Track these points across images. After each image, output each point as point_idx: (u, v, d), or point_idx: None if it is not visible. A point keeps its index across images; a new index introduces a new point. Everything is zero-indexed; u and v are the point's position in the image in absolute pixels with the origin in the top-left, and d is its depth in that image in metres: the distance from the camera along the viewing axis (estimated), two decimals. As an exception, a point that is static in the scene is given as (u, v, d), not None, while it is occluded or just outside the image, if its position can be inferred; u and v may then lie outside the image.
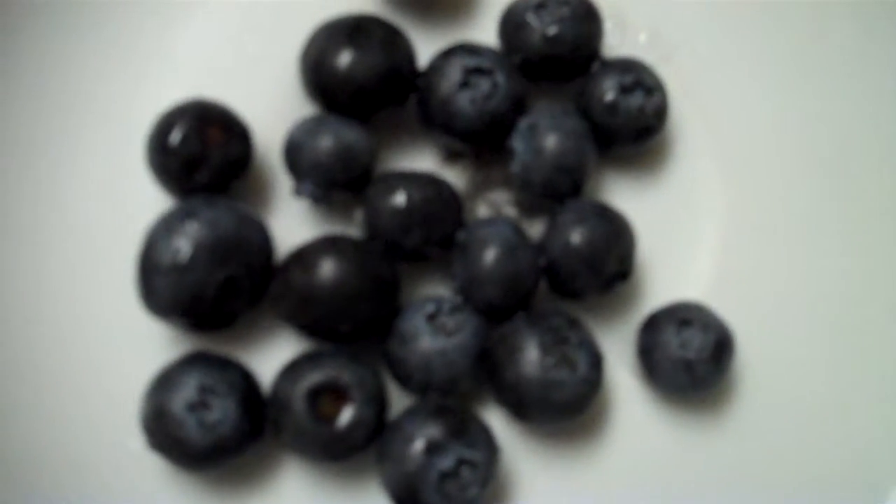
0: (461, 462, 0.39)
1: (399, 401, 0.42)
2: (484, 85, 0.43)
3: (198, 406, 0.39)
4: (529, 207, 0.46)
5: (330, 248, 0.40)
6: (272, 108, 0.45)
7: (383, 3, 0.47)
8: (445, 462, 0.39)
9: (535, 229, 0.45)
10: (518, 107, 0.44)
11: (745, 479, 0.44)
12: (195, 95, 0.42)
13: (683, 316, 0.42)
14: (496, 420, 0.43)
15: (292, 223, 0.44)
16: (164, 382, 0.40)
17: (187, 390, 0.39)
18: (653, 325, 0.43)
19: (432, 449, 0.39)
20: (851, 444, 0.44)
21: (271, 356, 0.43)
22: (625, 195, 0.46)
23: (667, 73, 0.45)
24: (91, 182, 0.45)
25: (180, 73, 0.46)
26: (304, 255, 0.40)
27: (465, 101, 0.43)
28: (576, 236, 0.42)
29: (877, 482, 0.44)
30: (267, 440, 0.41)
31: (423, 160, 0.46)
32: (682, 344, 0.42)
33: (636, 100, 0.44)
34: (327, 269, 0.40)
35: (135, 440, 0.40)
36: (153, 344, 0.43)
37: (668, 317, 0.43)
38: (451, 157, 0.46)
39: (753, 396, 0.45)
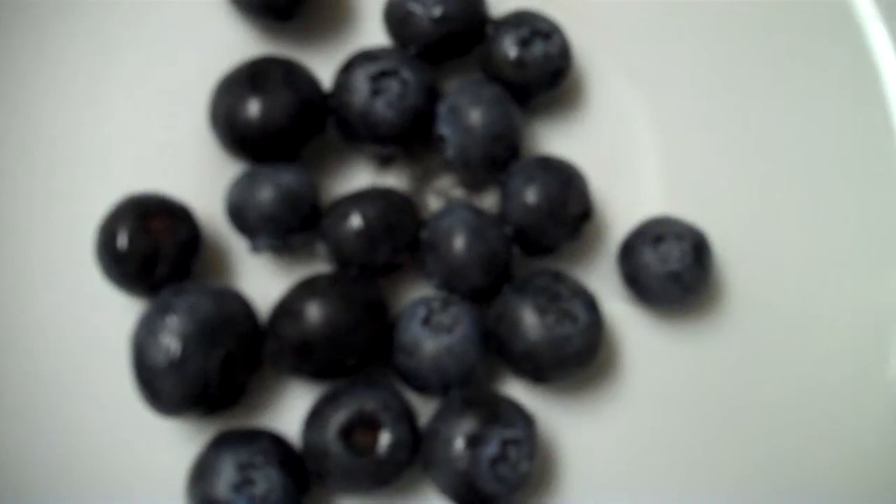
0: (505, 443, 0.40)
1: (425, 407, 0.43)
2: (394, 86, 0.43)
3: (242, 485, 0.39)
4: (475, 184, 0.46)
5: (309, 291, 0.41)
6: (200, 178, 0.45)
7: (261, 41, 0.47)
8: (491, 449, 0.39)
9: (489, 202, 0.46)
10: (432, 95, 0.44)
11: (748, 372, 0.45)
12: (123, 195, 0.42)
13: (655, 232, 0.44)
14: (518, 391, 0.44)
15: (262, 280, 0.44)
16: (201, 472, 0.40)
17: (228, 473, 0.39)
18: (629, 251, 0.44)
19: (474, 441, 0.40)
20: (841, 315, 0.46)
21: (289, 412, 0.43)
22: (559, 142, 0.47)
23: (559, 13, 0.46)
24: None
25: (94, 174, 0.45)
26: (288, 307, 0.41)
27: (382, 108, 0.43)
28: (531, 195, 0.43)
29: (865, 362, 0.46)
30: (314, 492, 0.42)
31: (360, 175, 0.46)
32: (663, 259, 0.43)
33: (538, 48, 0.45)
34: (314, 312, 0.40)
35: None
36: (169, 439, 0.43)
37: (640, 238, 0.44)
38: (385, 161, 0.46)
39: (735, 290, 0.46)
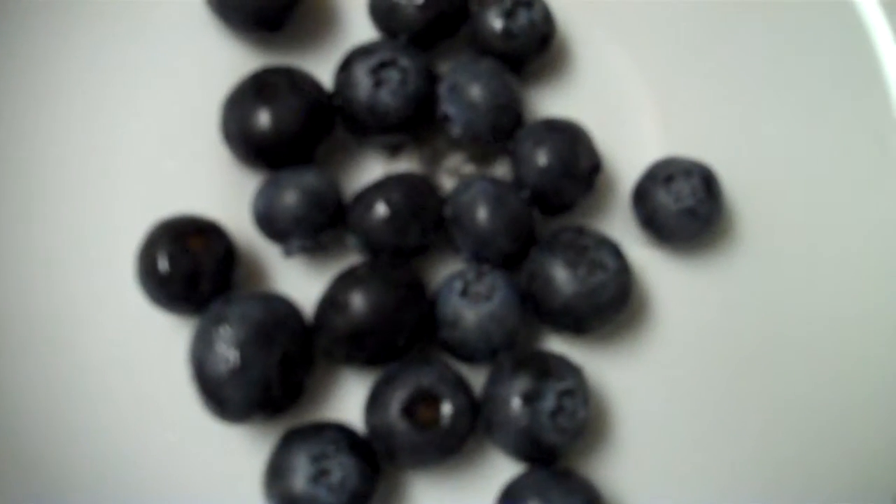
0: (561, 395, 0.41)
1: (475, 376, 0.44)
2: (394, 75, 0.45)
3: (319, 476, 0.40)
4: (484, 156, 0.48)
5: (350, 282, 0.42)
6: (220, 194, 0.46)
7: (255, 52, 0.48)
8: (548, 403, 0.41)
9: (500, 172, 0.47)
10: (431, 77, 0.46)
11: (767, 303, 0.47)
12: (153, 221, 0.43)
13: (664, 172, 0.45)
14: (558, 345, 0.46)
15: (300, 281, 0.46)
16: (277, 470, 0.41)
17: (303, 466, 0.41)
18: (642, 194, 0.46)
19: (530, 398, 0.41)
20: (851, 244, 0.48)
21: (347, 401, 0.45)
22: (557, 104, 0.49)
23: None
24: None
25: (118, 204, 0.46)
26: (333, 300, 0.42)
27: (386, 97, 0.44)
28: (542, 157, 0.44)
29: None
30: (386, 473, 0.43)
31: (372, 167, 0.48)
32: (676, 196, 0.45)
33: (523, 17, 0.46)
34: (359, 301, 0.41)
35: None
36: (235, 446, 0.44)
37: (651, 180, 0.46)
38: (395, 150, 0.48)
39: (746, 221, 0.48)
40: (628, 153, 0.48)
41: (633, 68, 0.50)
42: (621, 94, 0.49)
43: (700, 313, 0.47)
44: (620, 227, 0.47)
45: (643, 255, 0.47)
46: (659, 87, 0.49)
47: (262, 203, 0.44)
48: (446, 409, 0.42)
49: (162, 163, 0.47)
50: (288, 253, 0.44)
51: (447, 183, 0.48)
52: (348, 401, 0.44)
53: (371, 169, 0.48)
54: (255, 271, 0.46)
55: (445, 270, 0.46)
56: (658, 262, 0.47)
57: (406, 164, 0.48)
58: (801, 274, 0.48)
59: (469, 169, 0.48)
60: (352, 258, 0.45)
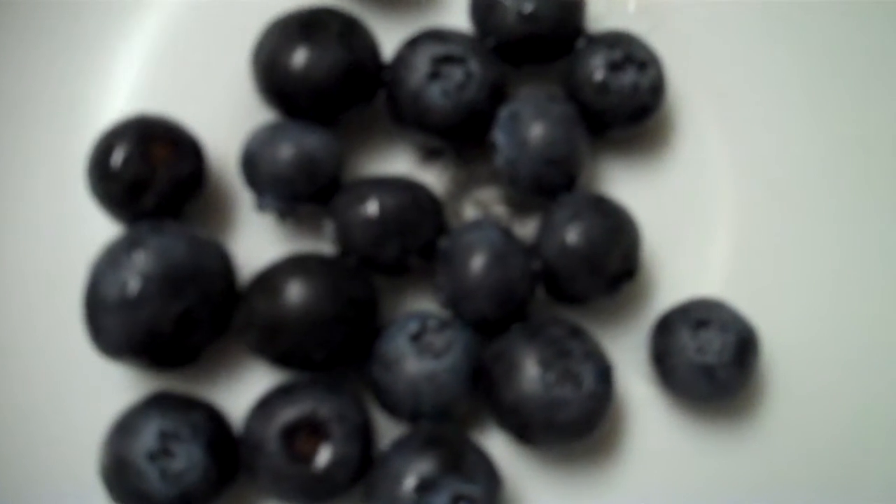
0: (458, 498, 0.34)
1: (390, 429, 0.38)
2: (456, 74, 0.38)
3: (159, 455, 0.35)
4: (521, 204, 0.41)
5: (296, 268, 0.36)
6: (226, 118, 0.41)
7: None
8: (440, 500, 0.34)
9: (530, 229, 0.41)
10: (496, 95, 0.39)
11: (776, 494, 0.39)
12: (137, 112, 0.38)
13: (699, 315, 0.38)
14: (499, 446, 0.39)
15: (257, 244, 0.40)
16: (122, 429, 0.36)
17: (147, 438, 0.35)
18: (666, 328, 0.39)
19: (424, 486, 0.34)
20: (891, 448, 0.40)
21: (242, 392, 0.38)
22: (625, 185, 0.42)
23: (661, 43, 0.41)
24: (34, 211, 0.41)
25: (119, 88, 0.42)
26: (268, 279, 0.36)
27: (436, 94, 0.38)
28: (572, 234, 0.37)
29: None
30: (242, 484, 0.37)
31: (399, 162, 0.42)
32: (700, 347, 0.38)
33: (628, 76, 0.40)
34: (294, 292, 0.36)
35: (98, 496, 0.36)
36: (113, 384, 0.39)
37: (682, 317, 0.38)
38: (430, 155, 0.42)
39: (782, 401, 0.40)
40: (678, 272, 0.41)
41: (727, 182, 0.42)
42: (701, 205, 0.42)
43: (684, 480, 0.39)
44: (630, 348, 0.40)
45: (641, 392, 0.40)
46: (746, 216, 0.42)
47: (253, 144, 0.38)
48: (326, 452, 0.35)
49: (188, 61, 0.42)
50: (260, 206, 0.38)
51: (468, 213, 0.41)
52: (247, 396, 0.38)
53: (395, 164, 0.41)
54: (217, 214, 0.41)
55: (416, 306, 0.40)
56: (655, 404, 0.40)
57: (435, 175, 0.41)
58: (823, 464, 0.40)
59: (499, 211, 0.41)
60: (323, 246, 0.39)
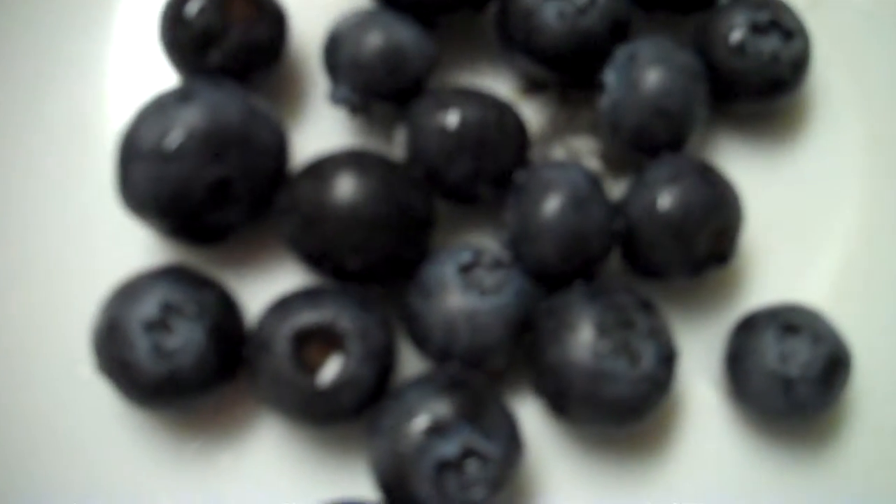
0: (468, 452, 0.30)
1: (417, 369, 0.34)
2: (579, -1, 0.35)
3: (156, 326, 0.31)
4: (618, 162, 0.37)
5: (352, 162, 0.33)
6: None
7: None
8: (448, 448, 0.30)
9: (620, 190, 0.36)
10: (618, 31, 0.35)
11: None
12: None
13: (790, 321, 0.33)
14: (532, 414, 0.34)
15: (321, 134, 0.37)
16: (124, 294, 0.32)
17: (147, 306, 0.32)
18: (749, 328, 0.34)
19: (435, 429, 0.30)
20: None
21: (266, 288, 0.34)
22: (742, 164, 0.37)
23: (814, 20, 0.36)
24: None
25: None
26: (320, 167, 0.33)
27: (551, 15, 0.34)
28: (665, 197, 0.33)
29: None
30: (243, 386, 0.33)
31: (497, 86, 0.38)
32: (784, 356, 0.33)
33: (770, 43, 0.35)
34: (344, 185, 0.32)
35: (85, 366, 0.33)
36: (133, 252, 0.36)
37: (769, 319, 0.33)
38: (533, 87, 0.38)
39: (870, 432, 0.35)
40: (780, 269, 0.36)
41: (858, 176, 0.37)
42: (823, 198, 0.37)
43: (741, 494, 0.34)
44: (705, 343, 0.35)
45: (707, 390, 0.35)
46: (876, 218, 0.37)
47: (342, 26, 0.35)
48: (333, 366, 0.31)
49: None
50: (333, 97, 0.35)
51: (557, 155, 0.37)
52: (271, 292, 0.34)
53: (495, 87, 0.37)
54: (287, 91, 0.37)
55: (478, 239, 0.36)
56: (721, 409, 0.35)
57: (534, 110, 0.37)
58: None
59: (592, 164, 0.37)
60: (392, 153, 0.35)
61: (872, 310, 0.36)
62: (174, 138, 0.32)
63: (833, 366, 0.32)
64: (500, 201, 0.34)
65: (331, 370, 0.32)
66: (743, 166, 0.37)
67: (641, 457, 0.35)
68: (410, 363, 0.34)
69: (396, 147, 0.35)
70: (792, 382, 0.32)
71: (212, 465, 0.34)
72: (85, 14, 0.39)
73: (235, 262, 0.35)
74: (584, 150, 0.37)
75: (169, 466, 0.34)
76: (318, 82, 0.37)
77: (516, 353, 0.33)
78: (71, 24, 0.38)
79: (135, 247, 0.36)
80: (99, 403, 0.34)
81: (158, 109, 0.32)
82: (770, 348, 0.33)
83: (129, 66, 0.38)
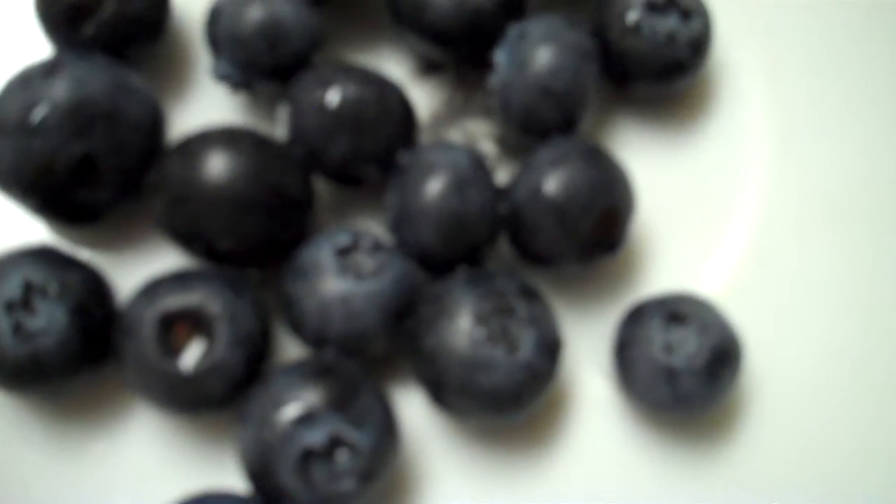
0: (336, 441, 0.29)
1: (296, 354, 0.33)
2: (469, -23, 0.33)
3: (17, 306, 0.30)
4: (514, 146, 0.36)
5: (224, 139, 0.32)
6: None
7: None
8: (314, 436, 0.29)
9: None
10: (510, 10, 0.34)
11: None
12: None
13: (677, 309, 0.32)
14: (415, 407, 0.33)
15: (203, 112, 0.36)
16: (-9, 273, 0.31)
17: (9, 285, 0.30)
18: (636, 317, 0.33)
19: (302, 418, 0.29)
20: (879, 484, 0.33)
21: (138, 269, 0.33)
22: (638, 151, 0.36)
23: (719, 4, 0.35)
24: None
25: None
26: (191, 144, 0.32)
27: (442, -5, 0.33)
28: (550, 181, 0.32)
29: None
30: (113, 371, 0.32)
31: (391, 68, 0.36)
32: (669, 345, 0.31)
33: (667, 23, 0.34)
34: (215, 163, 0.31)
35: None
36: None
37: (656, 308, 0.32)
38: (427, 68, 0.37)
39: (760, 426, 0.34)
40: (675, 258, 0.35)
41: (760, 164, 0.36)
42: (723, 186, 0.36)
43: (630, 486, 0.33)
44: (595, 334, 0.34)
45: (597, 382, 0.34)
46: (776, 208, 0.36)
47: (223, 0, 0.34)
48: (196, 349, 0.30)
49: None
50: (215, 72, 0.34)
51: (453, 138, 0.36)
52: (143, 275, 0.32)
53: (389, 69, 0.36)
54: (167, 68, 0.36)
55: (361, 223, 0.35)
56: (612, 401, 0.34)
57: (428, 92, 0.36)
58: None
59: (487, 148, 0.36)
60: (275, 133, 0.34)
61: (770, 302, 0.35)
62: (38, 113, 0.30)
63: (719, 358, 0.31)
64: (384, 183, 0.33)
65: (193, 354, 0.31)
66: (640, 152, 0.36)
67: (529, 448, 0.34)
68: (291, 350, 0.33)
69: (279, 126, 0.34)
70: (676, 373, 0.31)
71: (85, 452, 0.33)
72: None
73: (108, 243, 0.34)
74: (480, 133, 0.36)
75: (42, 454, 0.33)
76: (200, 59, 0.36)
77: (397, 341, 0.32)
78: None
79: (8, 226, 0.35)
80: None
81: (24, 83, 0.31)
82: (655, 338, 0.32)
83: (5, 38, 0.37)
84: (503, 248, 0.34)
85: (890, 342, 0.35)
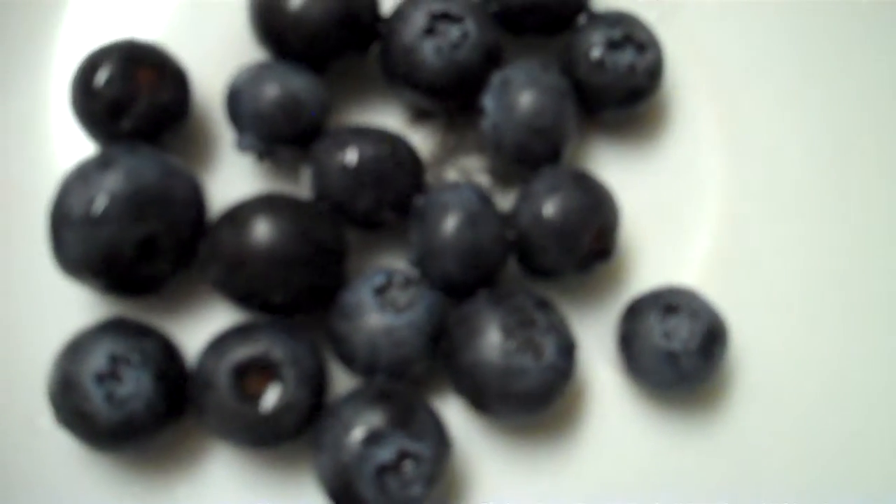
0: (403, 455, 0.34)
1: (347, 384, 0.37)
2: (452, 33, 0.38)
3: (107, 377, 0.34)
4: (505, 176, 0.41)
5: (266, 206, 0.36)
6: (218, 53, 0.40)
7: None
8: (385, 454, 0.34)
9: (509, 201, 0.40)
10: (491, 59, 0.39)
11: (738, 486, 0.38)
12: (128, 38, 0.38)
13: (669, 301, 0.37)
14: (455, 413, 0.38)
15: (233, 183, 0.40)
16: (73, 350, 0.35)
17: (96, 359, 0.34)
18: (635, 312, 0.38)
19: (371, 438, 0.34)
20: (856, 446, 0.39)
21: (201, 329, 0.37)
22: (613, 168, 0.41)
23: (667, 34, 0.40)
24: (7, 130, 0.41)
25: (110, 15, 0.42)
26: (237, 214, 0.36)
27: (429, 51, 0.38)
28: (548, 207, 0.37)
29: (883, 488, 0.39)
30: (191, 421, 0.37)
31: (387, 119, 0.41)
32: (667, 333, 0.37)
33: (626, 57, 0.39)
34: (261, 229, 0.35)
35: (44, 417, 0.36)
36: (73, 309, 0.38)
37: (651, 302, 0.38)
38: (420, 116, 0.41)
39: (749, 394, 0.39)
40: (656, 258, 0.40)
41: (716, 169, 0.41)
42: (689, 194, 0.41)
43: (643, 461, 0.39)
44: (599, 331, 0.39)
45: (606, 372, 0.39)
46: (734, 209, 0.41)
47: (239, 81, 0.38)
48: (273, 394, 0.35)
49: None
50: (239, 145, 0.38)
51: (451, 179, 0.41)
52: (205, 332, 0.37)
53: (386, 120, 0.41)
54: (196, 146, 0.40)
55: (388, 262, 0.39)
56: (619, 387, 0.39)
57: (423, 137, 0.41)
58: (787, 458, 0.39)
59: (483, 180, 0.41)
60: (300, 192, 0.38)
61: (739, 287, 0.40)
62: (99, 204, 0.34)
63: (711, 338, 0.37)
64: (403, 225, 0.38)
65: (271, 397, 0.35)
66: (614, 168, 0.41)
67: (554, 439, 0.38)
68: (341, 380, 0.37)
69: (304, 187, 0.38)
70: (676, 356, 0.37)
71: (170, 497, 0.37)
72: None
73: (170, 309, 0.38)
74: (474, 168, 0.41)
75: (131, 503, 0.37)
76: (223, 134, 0.40)
77: (435, 361, 0.37)
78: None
79: (77, 301, 0.38)
80: (60, 451, 0.37)
81: (81, 177, 0.35)
82: (655, 328, 0.37)
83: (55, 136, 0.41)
84: (512, 267, 0.38)
85: (849, 312, 0.40)
